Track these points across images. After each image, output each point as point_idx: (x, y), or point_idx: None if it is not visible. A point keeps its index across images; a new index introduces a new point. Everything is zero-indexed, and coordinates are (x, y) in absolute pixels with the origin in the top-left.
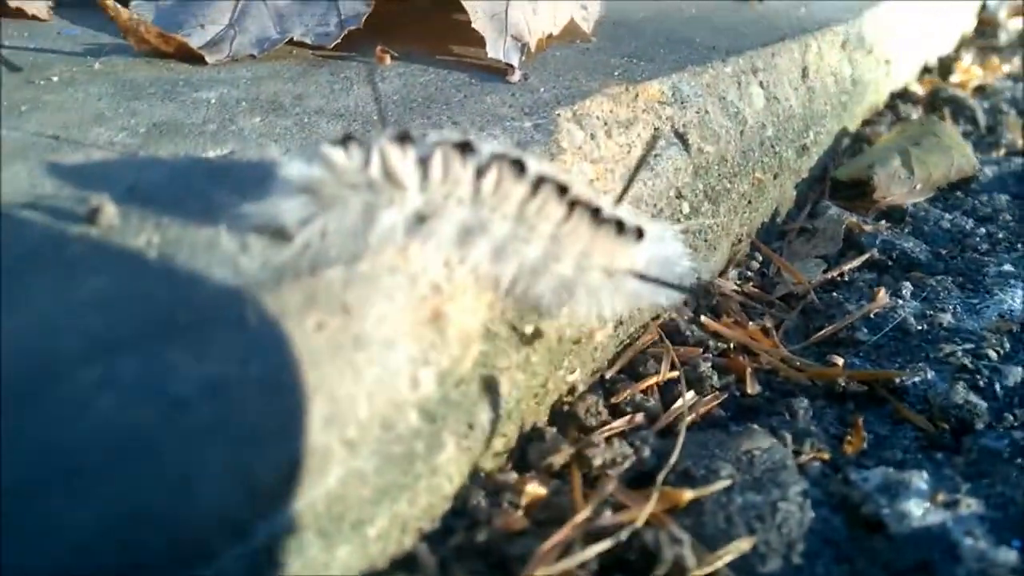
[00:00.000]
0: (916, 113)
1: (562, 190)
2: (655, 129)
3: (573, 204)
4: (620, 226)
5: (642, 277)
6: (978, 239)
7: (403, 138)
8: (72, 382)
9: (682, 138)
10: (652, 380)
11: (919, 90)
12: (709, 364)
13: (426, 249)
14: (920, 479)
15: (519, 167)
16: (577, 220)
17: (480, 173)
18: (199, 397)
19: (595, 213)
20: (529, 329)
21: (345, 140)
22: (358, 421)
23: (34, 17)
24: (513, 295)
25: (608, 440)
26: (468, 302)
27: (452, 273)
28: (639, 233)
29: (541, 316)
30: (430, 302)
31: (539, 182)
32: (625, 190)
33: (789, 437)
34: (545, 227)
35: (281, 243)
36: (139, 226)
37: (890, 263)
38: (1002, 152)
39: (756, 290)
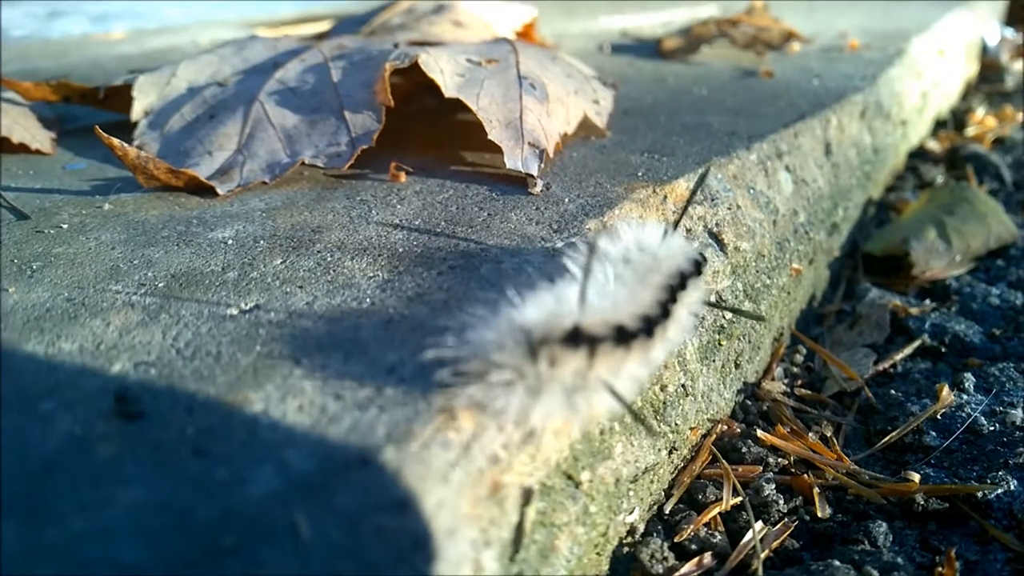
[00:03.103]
0: (937, 173)
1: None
2: (705, 167)
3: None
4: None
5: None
6: None
7: (575, 339)
8: None
9: (716, 238)
10: (714, 510)
11: (936, 147)
12: (773, 486)
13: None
14: None
15: (626, 343)
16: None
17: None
18: None
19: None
20: (585, 476)
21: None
22: None
23: (37, 152)
24: None
25: None
26: (525, 465)
27: (509, 438)
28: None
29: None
30: (488, 475)
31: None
32: (677, 222)
33: (876, 574)
34: (642, 372)
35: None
36: (169, 414)
37: (943, 349)
38: None
39: (807, 391)
